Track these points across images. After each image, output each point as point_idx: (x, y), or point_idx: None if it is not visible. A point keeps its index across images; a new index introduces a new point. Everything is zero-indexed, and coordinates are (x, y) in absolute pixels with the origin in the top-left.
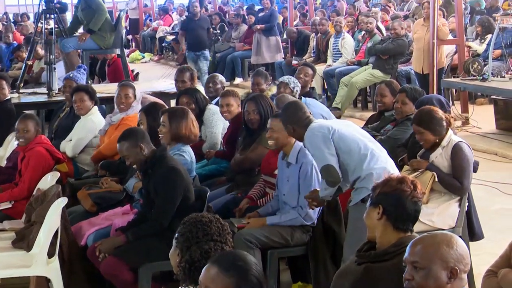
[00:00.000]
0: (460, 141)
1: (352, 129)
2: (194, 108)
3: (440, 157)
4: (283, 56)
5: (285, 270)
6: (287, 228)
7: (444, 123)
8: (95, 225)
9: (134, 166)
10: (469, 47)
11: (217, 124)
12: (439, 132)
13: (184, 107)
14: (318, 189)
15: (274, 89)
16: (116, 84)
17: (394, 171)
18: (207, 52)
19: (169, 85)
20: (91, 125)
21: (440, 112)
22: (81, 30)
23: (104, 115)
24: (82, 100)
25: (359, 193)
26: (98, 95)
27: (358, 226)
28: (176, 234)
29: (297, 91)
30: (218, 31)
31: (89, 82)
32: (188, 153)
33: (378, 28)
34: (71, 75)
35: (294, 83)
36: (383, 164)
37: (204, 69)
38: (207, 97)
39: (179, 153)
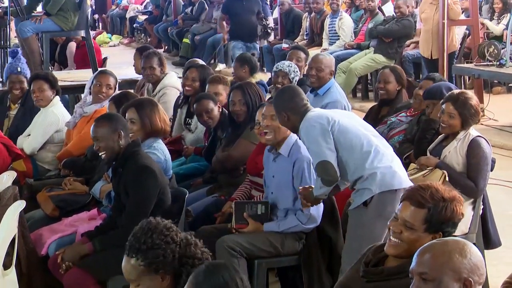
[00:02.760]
0: (478, 136)
1: (354, 121)
2: (197, 87)
3: (454, 152)
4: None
5: (274, 283)
6: (276, 234)
7: (476, 119)
8: (57, 232)
9: (101, 154)
10: (484, 25)
11: None
12: (469, 123)
13: (150, 97)
14: (313, 186)
15: (259, 76)
16: (83, 70)
17: (401, 171)
18: (258, 45)
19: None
20: (53, 118)
21: (478, 105)
22: (39, 8)
23: (67, 107)
24: (41, 89)
25: (361, 195)
26: (59, 83)
27: (358, 234)
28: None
29: (296, 81)
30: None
31: (50, 68)
32: (161, 150)
33: (379, 8)
34: (18, 69)
35: (294, 72)
36: (388, 163)
37: None
38: None
39: (150, 151)
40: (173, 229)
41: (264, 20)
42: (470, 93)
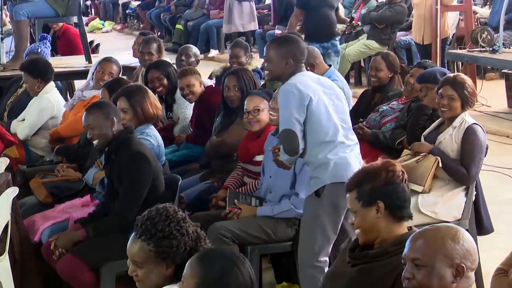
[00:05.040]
0: (474, 123)
1: (335, 107)
2: (166, 84)
3: (450, 139)
4: (258, 26)
5: (268, 269)
6: (269, 220)
7: (473, 100)
8: (50, 218)
9: (95, 142)
10: (475, 13)
11: (191, 104)
12: (467, 105)
13: (138, 83)
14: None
15: (255, 63)
16: (75, 57)
17: (356, 165)
18: (337, 43)
19: (133, 59)
20: (47, 104)
21: (474, 87)
22: None
23: (60, 92)
24: (26, 81)
25: (314, 184)
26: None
27: (313, 225)
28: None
29: None
30: None
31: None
32: (154, 136)
33: None
34: (39, 50)
35: None
36: (344, 154)
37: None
38: None
39: (142, 137)
40: (187, 221)
41: (352, 19)
42: (464, 75)
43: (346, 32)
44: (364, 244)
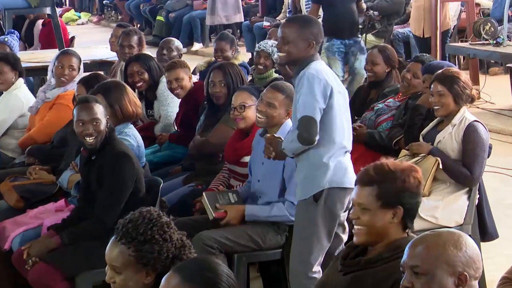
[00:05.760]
0: (475, 121)
1: (345, 109)
2: (146, 79)
3: (449, 138)
4: (245, 17)
5: (256, 278)
6: (257, 227)
7: (468, 94)
8: (21, 224)
9: (90, 140)
10: (478, 5)
11: (174, 101)
12: (461, 99)
13: (116, 80)
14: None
15: (241, 57)
16: (49, 50)
17: (351, 168)
18: (360, 40)
19: (111, 53)
20: (16, 101)
21: (467, 80)
22: None
23: (32, 89)
24: (1, 72)
25: (310, 187)
26: (24, 64)
27: (309, 232)
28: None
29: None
30: None
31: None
32: (133, 136)
33: None
34: (5, 39)
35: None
36: (341, 158)
37: (361, 72)
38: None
39: (121, 137)
40: (172, 227)
41: (368, 9)
42: (456, 68)
43: (363, 25)
44: (361, 244)
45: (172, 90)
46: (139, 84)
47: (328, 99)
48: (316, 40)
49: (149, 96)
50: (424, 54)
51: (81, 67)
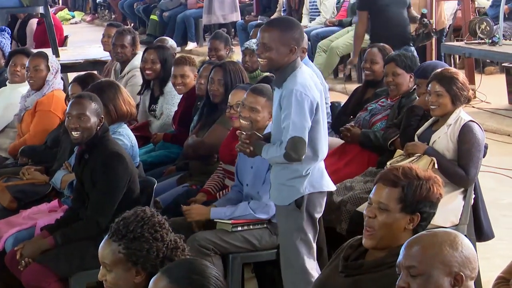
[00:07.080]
0: (470, 121)
1: (323, 113)
2: (158, 70)
3: (445, 138)
4: (241, 16)
5: (251, 279)
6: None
7: (466, 95)
8: (14, 225)
9: (75, 134)
10: (474, 2)
11: (178, 102)
12: (458, 101)
13: (110, 79)
14: (264, 143)
15: (235, 57)
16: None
17: (325, 171)
18: (412, 49)
19: (104, 52)
20: (17, 99)
21: (465, 81)
22: None
23: None
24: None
25: (291, 193)
26: None
27: (294, 239)
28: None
29: None
30: None
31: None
32: (127, 135)
33: None
34: None
35: None
36: (318, 163)
37: None
38: None
39: (115, 137)
40: (165, 227)
41: (424, 16)
42: (455, 69)
43: (416, 33)
44: (371, 248)
45: (174, 84)
46: (148, 72)
47: (314, 115)
48: (298, 45)
49: (155, 91)
50: (393, 52)
51: (55, 67)
